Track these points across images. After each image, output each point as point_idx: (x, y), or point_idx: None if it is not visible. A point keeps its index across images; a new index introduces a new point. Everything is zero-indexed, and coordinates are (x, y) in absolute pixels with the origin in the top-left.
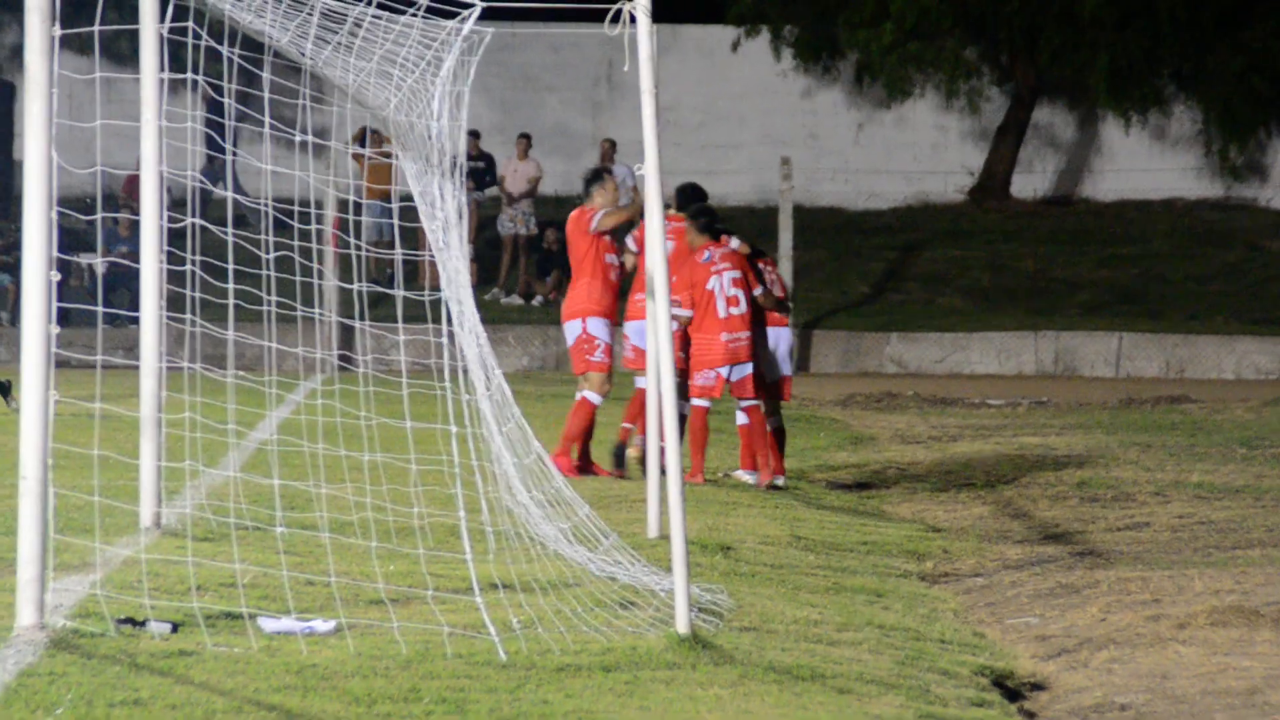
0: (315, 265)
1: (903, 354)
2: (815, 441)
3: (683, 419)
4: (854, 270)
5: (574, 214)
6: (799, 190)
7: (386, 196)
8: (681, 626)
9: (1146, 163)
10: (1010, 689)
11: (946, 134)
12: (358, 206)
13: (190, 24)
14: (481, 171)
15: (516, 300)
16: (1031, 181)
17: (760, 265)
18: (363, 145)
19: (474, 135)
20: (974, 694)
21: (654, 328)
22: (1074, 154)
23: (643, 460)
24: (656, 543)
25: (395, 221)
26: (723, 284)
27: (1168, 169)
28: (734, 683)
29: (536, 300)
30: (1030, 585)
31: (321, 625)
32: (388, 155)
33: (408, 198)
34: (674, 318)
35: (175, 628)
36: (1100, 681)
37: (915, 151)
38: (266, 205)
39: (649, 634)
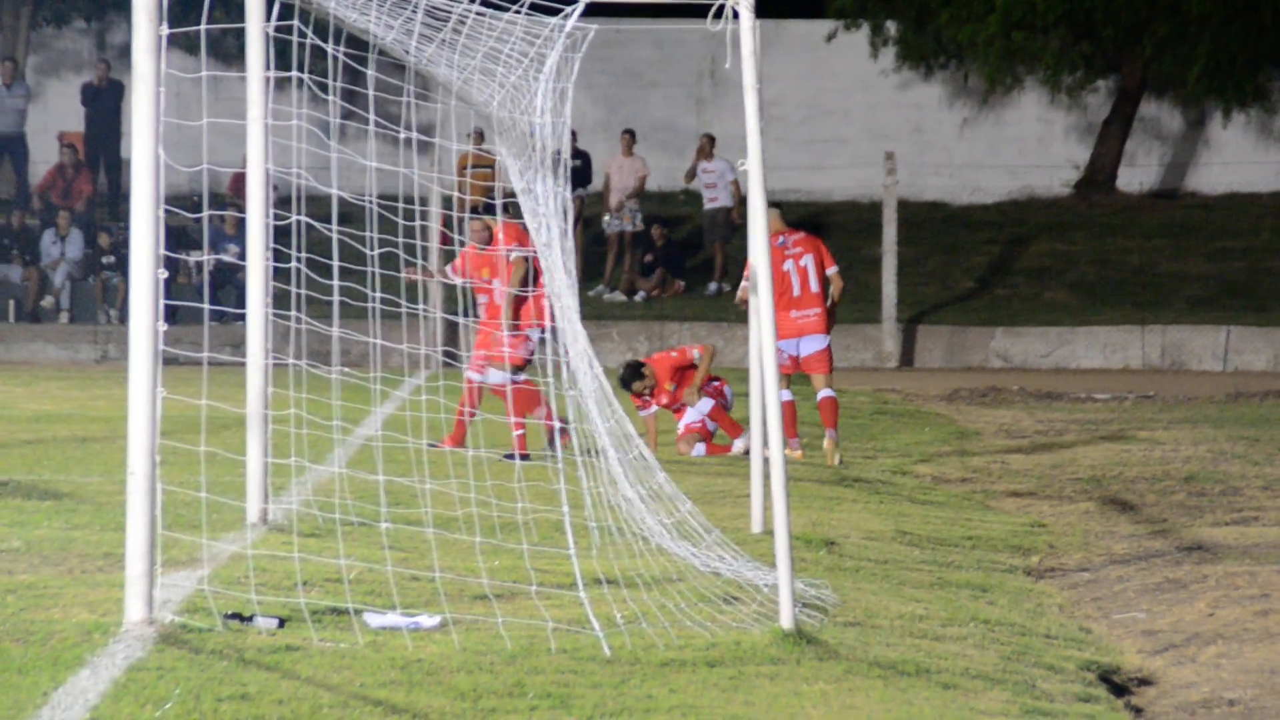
0: (420, 263)
1: (1008, 348)
2: (920, 436)
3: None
4: (958, 265)
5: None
6: (903, 185)
7: (489, 194)
8: (785, 622)
9: (1254, 155)
10: (1117, 684)
11: (1051, 128)
12: (462, 204)
13: (295, 22)
14: (579, 170)
15: (620, 297)
16: (1137, 175)
17: None
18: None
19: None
20: (1080, 689)
21: (757, 322)
22: (1180, 147)
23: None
24: (760, 538)
25: (499, 218)
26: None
27: (1276, 162)
28: (838, 678)
29: (639, 296)
30: (1137, 580)
31: (427, 620)
32: (490, 154)
33: (510, 194)
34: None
35: (282, 623)
36: (1208, 677)
37: (1020, 145)
38: (371, 202)
39: (753, 629)
